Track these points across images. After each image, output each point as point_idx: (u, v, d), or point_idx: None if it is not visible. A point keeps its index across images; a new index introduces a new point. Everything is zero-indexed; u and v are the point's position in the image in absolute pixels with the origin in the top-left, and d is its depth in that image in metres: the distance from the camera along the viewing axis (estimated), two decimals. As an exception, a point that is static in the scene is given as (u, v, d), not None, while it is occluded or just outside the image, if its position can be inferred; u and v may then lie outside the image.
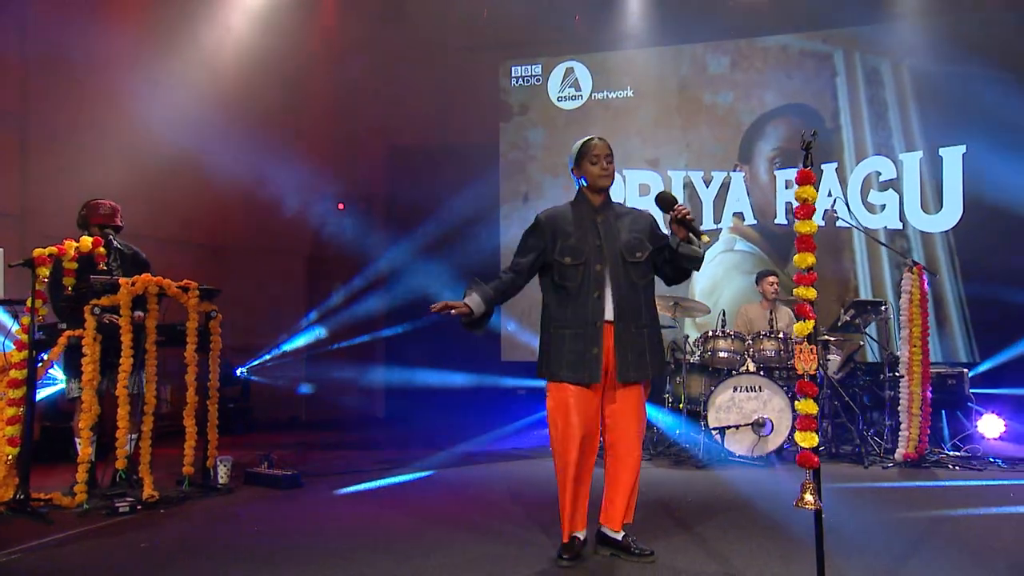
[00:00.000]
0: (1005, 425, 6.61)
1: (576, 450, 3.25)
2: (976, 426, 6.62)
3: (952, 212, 8.13)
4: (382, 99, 9.27)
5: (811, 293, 2.17)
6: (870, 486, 5.19)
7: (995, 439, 6.59)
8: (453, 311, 3.29)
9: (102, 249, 4.83)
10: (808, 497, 2.25)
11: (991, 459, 5.91)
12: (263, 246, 9.06)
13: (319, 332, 9.34)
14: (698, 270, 3.44)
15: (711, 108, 8.88)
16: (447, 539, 3.80)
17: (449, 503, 4.75)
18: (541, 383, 3.46)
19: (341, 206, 9.81)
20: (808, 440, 2.20)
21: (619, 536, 3.39)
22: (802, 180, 2.17)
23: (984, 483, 5.19)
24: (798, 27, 8.55)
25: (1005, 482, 5.20)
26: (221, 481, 5.00)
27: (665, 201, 3.37)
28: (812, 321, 2.17)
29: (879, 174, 8.39)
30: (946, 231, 8.12)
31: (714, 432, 6.00)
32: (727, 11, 8.75)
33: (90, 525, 4.09)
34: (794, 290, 2.20)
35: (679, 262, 3.35)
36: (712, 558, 3.42)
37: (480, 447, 6.95)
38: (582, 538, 3.38)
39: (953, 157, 8.16)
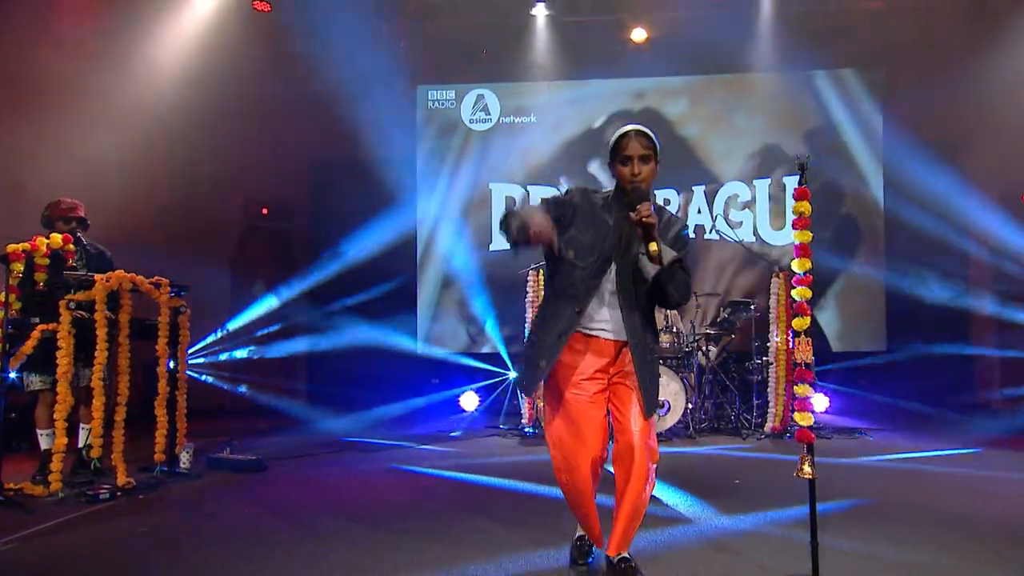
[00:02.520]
0: (830, 401, 7.34)
1: None
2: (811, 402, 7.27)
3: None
4: (303, 115, 8.96)
5: (807, 293, 2.39)
6: (755, 456, 5.63)
7: (822, 412, 7.27)
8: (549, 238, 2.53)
9: (72, 246, 4.48)
10: (807, 468, 2.43)
11: (822, 429, 6.56)
12: (190, 246, 8.54)
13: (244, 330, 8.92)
14: (673, 300, 2.66)
15: (603, 134, 9.25)
16: (409, 513, 3.82)
17: (399, 482, 4.75)
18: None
19: (265, 211, 9.42)
20: (805, 419, 2.40)
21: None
22: (799, 196, 2.39)
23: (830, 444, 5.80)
24: (682, 69, 9.05)
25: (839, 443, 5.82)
26: (184, 467, 4.74)
27: (632, 194, 2.59)
28: (808, 317, 2.39)
29: (737, 196, 9.06)
30: (787, 244, 8.90)
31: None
32: (620, 52, 9.13)
33: (74, 513, 3.80)
34: (792, 291, 2.42)
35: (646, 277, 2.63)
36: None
37: (418, 432, 6.91)
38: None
39: (793, 183, 8.93)
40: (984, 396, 8.59)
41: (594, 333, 2.68)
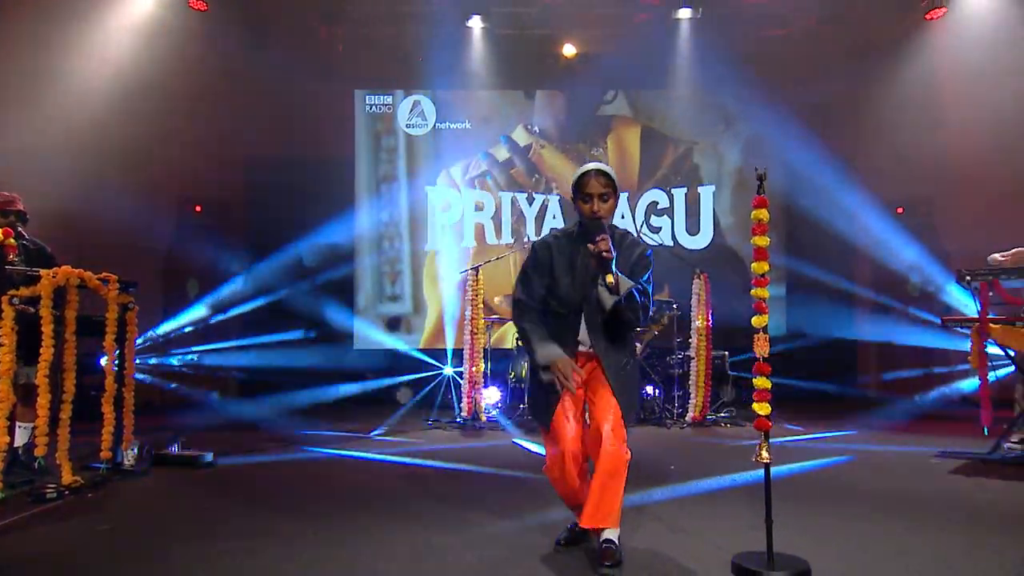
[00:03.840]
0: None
1: None
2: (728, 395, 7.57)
3: (706, 235, 9.29)
4: (241, 115, 8.62)
5: (765, 293, 2.51)
6: (683, 442, 5.84)
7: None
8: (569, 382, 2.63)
9: (12, 240, 4.16)
10: (764, 453, 2.56)
11: (745, 417, 6.87)
12: (120, 243, 8.07)
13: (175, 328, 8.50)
14: (632, 323, 2.73)
15: (535, 142, 9.35)
16: (373, 500, 3.77)
17: (352, 472, 4.66)
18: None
19: (199, 208, 9.01)
20: (763, 409, 2.52)
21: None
22: (757, 204, 2.50)
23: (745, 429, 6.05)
24: (610, 83, 9.25)
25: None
26: (130, 464, 4.49)
27: (591, 227, 2.69)
28: (766, 315, 2.51)
29: (656, 203, 9.34)
30: (702, 248, 9.26)
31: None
32: (552, 65, 9.25)
33: (23, 512, 3.51)
34: (752, 291, 2.54)
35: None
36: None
37: (357, 425, 6.78)
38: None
39: (707, 194, 9.33)
40: (866, 380, 9.23)
41: None
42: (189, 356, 8.40)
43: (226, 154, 8.87)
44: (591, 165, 2.76)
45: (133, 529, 3.32)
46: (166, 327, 8.41)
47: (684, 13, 8.94)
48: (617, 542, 2.65)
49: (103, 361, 4.46)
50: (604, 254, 2.56)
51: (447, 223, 9.26)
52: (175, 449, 4.78)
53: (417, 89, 9.30)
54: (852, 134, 9.02)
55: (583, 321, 2.75)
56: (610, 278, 2.57)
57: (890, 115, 8.68)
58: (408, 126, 9.29)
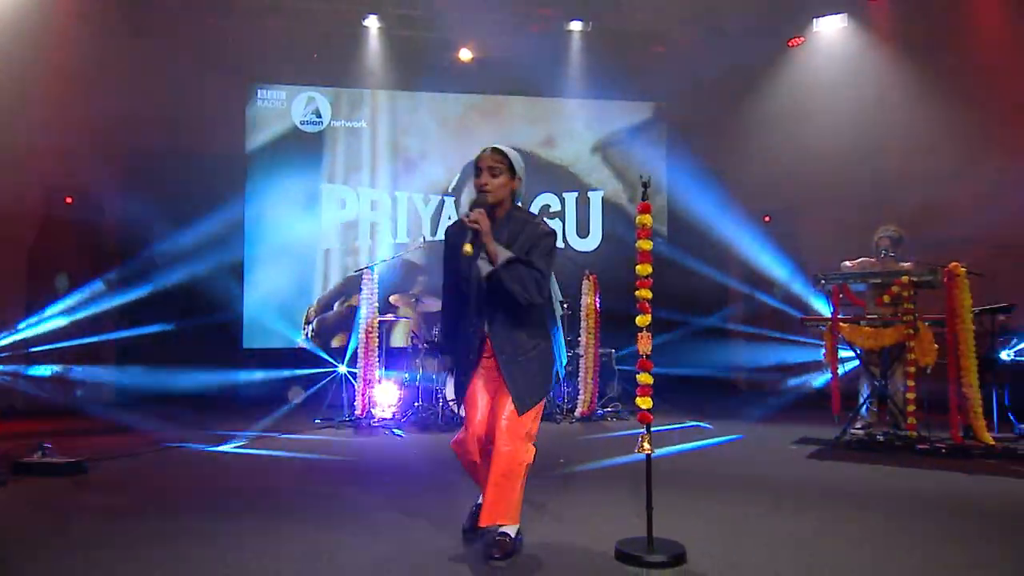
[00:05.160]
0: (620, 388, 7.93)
1: None
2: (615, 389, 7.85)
3: (595, 238, 9.58)
4: (121, 104, 8.00)
5: (647, 294, 2.61)
6: (572, 436, 5.98)
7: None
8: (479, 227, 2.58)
9: None
10: (646, 444, 2.64)
11: (628, 410, 7.13)
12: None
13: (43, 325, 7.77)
14: (520, 297, 2.59)
15: (434, 144, 9.28)
16: (257, 500, 3.63)
17: (237, 474, 4.46)
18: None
19: (69, 200, 8.28)
20: (645, 403, 2.62)
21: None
22: (642, 210, 2.60)
23: (629, 423, 6.29)
24: (504, 88, 9.31)
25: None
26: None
27: (474, 202, 2.69)
28: (649, 315, 2.61)
29: (549, 206, 9.52)
30: (591, 251, 9.53)
31: (451, 402, 6.36)
32: (447, 68, 9.20)
33: None
34: (636, 292, 2.63)
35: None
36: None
37: (242, 430, 6.46)
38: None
39: (596, 198, 9.61)
40: (737, 370, 9.82)
41: None
42: (53, 368, 7.72)
43: (103, 144, 8.21)
44: (494, 144, 2.74)
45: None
46: (29, 328, 7.68)
47: (576, 25, 9.17)
48: (513, 535, 2.66)
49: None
50: (470, 223, 2.56)
51: (342, 221, 9.02)
52: (39, 456, 4.36)
53: (312, 85, 9.00)
54: (725, 147, 9.55)
55: (482, 303, 2.71)
56: (467, 247, 2.55)
57: (758, 131, 9.29)
58: (302, 123, 8.97)
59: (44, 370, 7.72)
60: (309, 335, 8.78)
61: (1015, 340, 5.61)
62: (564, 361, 2.87)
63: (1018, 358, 5.57)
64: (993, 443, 4.71)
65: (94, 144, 8.12)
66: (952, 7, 8.00)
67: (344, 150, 9.06)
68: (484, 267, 2.58)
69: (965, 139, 7.41)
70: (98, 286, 7.90)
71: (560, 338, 2.84)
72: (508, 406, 2.66)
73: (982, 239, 7.45)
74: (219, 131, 8.69)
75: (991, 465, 4.43)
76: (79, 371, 7.86)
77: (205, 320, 8.32)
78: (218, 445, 5.27)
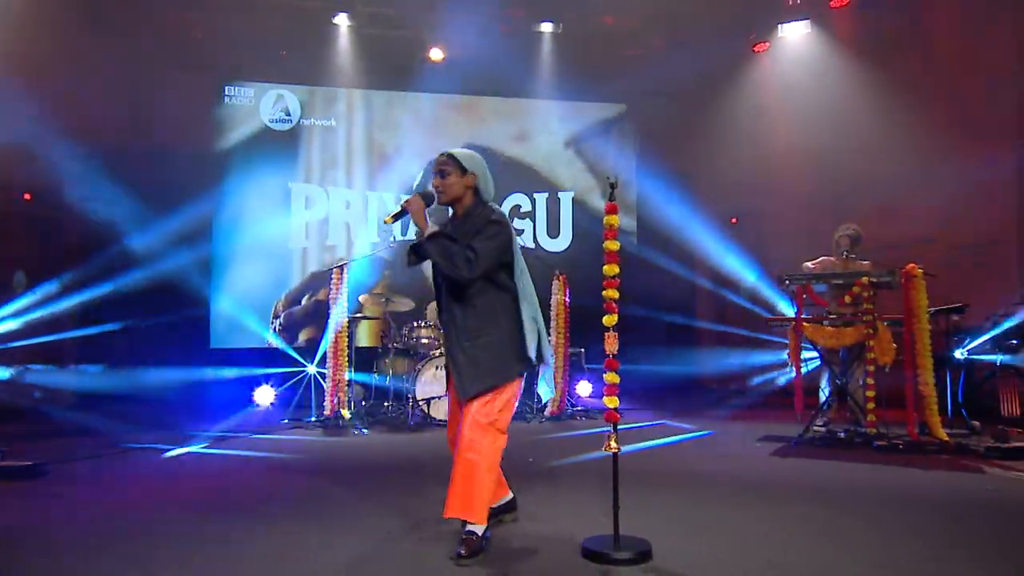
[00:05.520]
0: (593, 387, 7.97)
1: None
2: (576, 388, 7.87)
3: (566, 238, 9.61)
4: (85, 99, 7.78)
5: (614, 294, 2.63)
6: (541, 435, 5.99)
7: (587, 396, 7.91)
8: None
9: None
10: (613, 443, 2.67)
11: (590, 410, 7.17)
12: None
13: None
14: (447, 270, 2.77)
15: (406, 143, 9.22)
16: (218, 501, 3.57)
17: (203, 476, 4.38)
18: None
19: (28, 196, 8.05)
20: (612, 402, 2.64)
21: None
22: (609, 211, 2.61)
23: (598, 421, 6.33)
24: (475, 88, 9.29)
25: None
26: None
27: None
28: (615, 315, 2.63)
29: (519, 206, 9.53)
30: (562, 251, 9.57)
31: (421, 403, 6.33)
32: (418, 67, 9.15)
33: None
34: (603, 292, 2.65)
35: None
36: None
37: (209, 431, 6.34)
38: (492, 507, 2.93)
39: (567, 199, 9.65)
40: (704, 367, 9.95)
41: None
42: (8, 370, 7.48)
43: (64, 140, 7.99)
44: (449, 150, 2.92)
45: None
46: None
47: (546, 27, 9.19)
48: (480, 534, 2.68)
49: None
50: (404, 204, 2.87)
51: (312, 220, 8.92)
52: (-5, 460, 4.24)
53: (281, 83, 8.88)
54: (694, 150, 9.66)
55: (443, 293, 2.90)
56: (387, 218, 2.95)
57: (725, 134, 9.41)
58: (272, 121, 8.85)
59: (1, 372, 7.49)
60: (277, 329, 8.68)
61: (968, 339, 5.77)
62: (540, 352, 2.84)
63: (971, 356, 5.74)
64: (947, 439, 4.84)
65: (54, 140, 7.90)
66: (910, 15, 8.20)
67: (315, 149, 8.97)
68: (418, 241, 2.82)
69: (922, 143, 7.60)
70: (19, 278, 7.66)
71: (526, 327, 2.79)
72: (471, 406, 2.72)
73: (938, 240, 7.67)
74: (186, 128, 8.52)
75: (945, 460, 4.56)
76: (37, 372, 7.64)
77: (171, 319, 8.16)
78: (181, 446, 5.17)
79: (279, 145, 8.86)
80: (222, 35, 8.48)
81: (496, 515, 3.08)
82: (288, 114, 8.89)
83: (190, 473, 4.46)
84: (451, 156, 2.87)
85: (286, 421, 6.54)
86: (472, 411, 2.70)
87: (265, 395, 7.61)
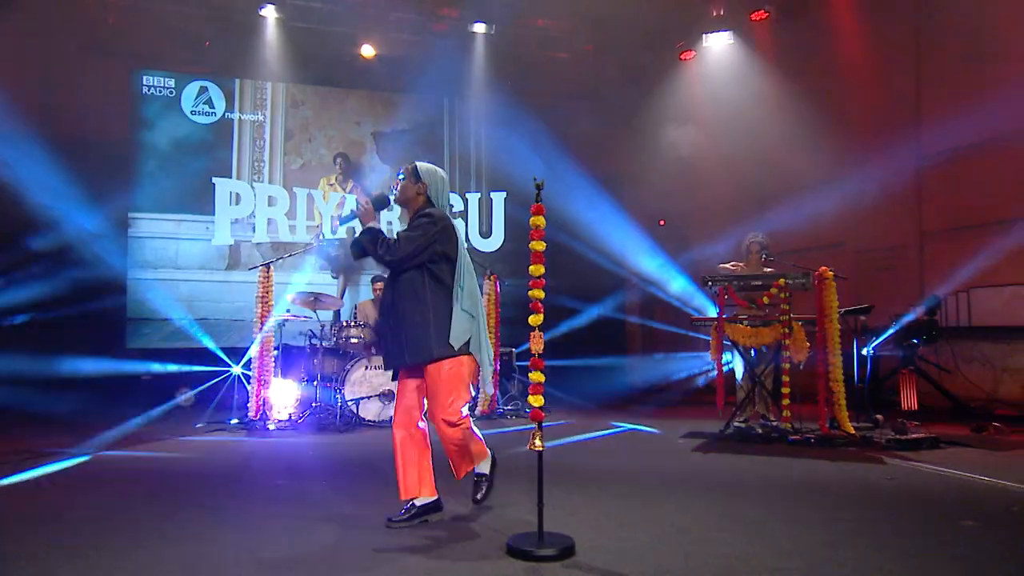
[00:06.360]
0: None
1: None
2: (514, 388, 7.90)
3: (498, 238, 9.64)
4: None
5: (540, 294, 2.65)
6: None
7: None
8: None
9: None
10: (537, 442, 2.69)
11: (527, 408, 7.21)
12: None
13: None
14: (372, 255, 3.07)
15: (334, 139, 9.04)
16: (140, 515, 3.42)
17: (120, 482, 4.17)
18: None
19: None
20: (537, 401, 2.66)
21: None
22: (535, 212, 2.64)
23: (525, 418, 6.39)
24: (405, 86, 9.19)
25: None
26: None
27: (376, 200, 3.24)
28: (541, 314, 2.65)
29: (452, 206, 9.49)
30: (494, 251, 9.59)
31: (350, 402, 6.22)
32: (350, 63, 9.00)
33: None
34: (529, 292, 2.66)
35: None
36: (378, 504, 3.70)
37: (126, 431, 6.04)
38: (418, 504, 3.11)
39: (498, 199, 9.68)
40: (632, 360, 10.18)
41: None
42: None
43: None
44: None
45: None
46: None
47: (479, 28, 9.19)
48: (486, 473, 3.34)
49: None
50: (362, 202, 3.22)
51: (238, 217, 8.63)
52: None
53: (204, 75, 8.55)
54: (623, 152, 9.87)
55: (386, 282, 3.21)
56: (336, 222, 3.33)
57: (653, 137, 9.66)
58: (193, 113, 8.50)
59: None
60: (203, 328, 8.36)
61: (874, 338, 6.11)
62: (468, 345, 3.06)
63: (876, 354, 6.08)
64: (854, 432, 5.11)
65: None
66: (820, 30, 8.61)
67: (241, 144, 8.68)
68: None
69: (833, 151, 8.00)
70: None
71: (455, 317, 3.03)
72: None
73: (847, 245, 8.09)
74: (99, 118, 8.10)
75: (851, 453, 4.81)
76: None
77: (77, 312, 7.69)
78: (96, 450, 4.91)
79: (202, 139, 8.53)
80: (140, 21, 8.11)
81: (422, 515, 3.08)
82: (212, 106, 8.58)
83: (99, 480, 4.23)
84: (413, 166, 3.22)
85: (200, 425, 6.27)
86: (436, 417, 3.07)
87: (184, 395, 7.32)
